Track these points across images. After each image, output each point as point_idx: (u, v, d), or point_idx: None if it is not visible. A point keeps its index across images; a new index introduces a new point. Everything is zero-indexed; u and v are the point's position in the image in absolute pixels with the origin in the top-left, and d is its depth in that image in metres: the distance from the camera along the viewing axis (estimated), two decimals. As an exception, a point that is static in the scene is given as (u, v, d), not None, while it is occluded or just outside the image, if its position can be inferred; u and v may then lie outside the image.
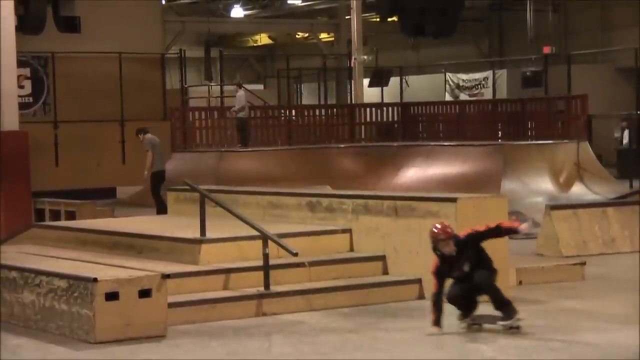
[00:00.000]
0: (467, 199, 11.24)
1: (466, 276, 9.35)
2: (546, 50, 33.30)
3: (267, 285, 10.62)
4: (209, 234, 11.31)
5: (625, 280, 12.33)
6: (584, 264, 12.38)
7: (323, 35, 42.34)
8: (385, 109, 30.61)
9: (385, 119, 30.22)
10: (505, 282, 10.41)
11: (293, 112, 30.09)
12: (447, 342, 9.18)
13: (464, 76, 37.64)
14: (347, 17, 34.79)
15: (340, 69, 37.98)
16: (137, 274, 9.67)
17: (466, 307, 9.46)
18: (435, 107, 30.57)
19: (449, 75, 37.82)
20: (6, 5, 16.90)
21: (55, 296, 9.77)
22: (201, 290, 10.55)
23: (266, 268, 10.63)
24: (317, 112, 29.96)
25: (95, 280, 9.34)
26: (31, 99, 26.91)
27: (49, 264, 10.71)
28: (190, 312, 10.15)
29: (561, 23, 39.27)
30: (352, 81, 31.52)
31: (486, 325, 9.43)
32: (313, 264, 11.23)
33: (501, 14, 41.58)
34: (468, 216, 10.89)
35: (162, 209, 18.77)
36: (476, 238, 9.43)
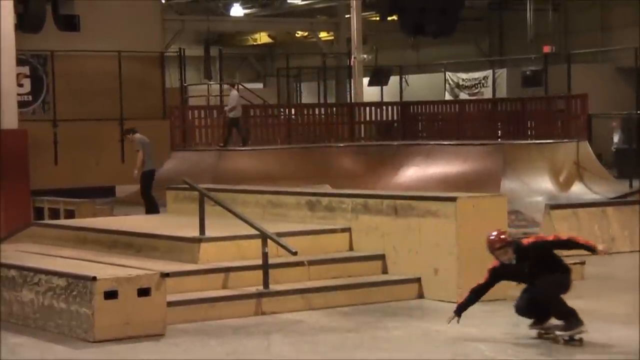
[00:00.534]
0: (466, 198, 11.22)
1: (531, 281, 8.92)
2: (546, 49, 33.26)
3: (266, 284, 10.61)
4: (208, 233, 11.30)
5: (624, 280, 12.33)
6: (583, 263, 12.35)
7: (323, 34, 42.33)
8: (385, 108, 30.60)
9: (385, 118, 30.21)
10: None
11: (293, 111, 30.10)
12: (446, 341, 9.17)
13: (463, 75, 37.61)
14: (347, 16, 34.80)
15: (340, 68, 37.97)
16: (136, 272, 9.66)
17: (536, 315, 9.03)
18: (435, 106, 30.56)
19: (448, 74, 37.79)
20: (5, 4, 16.90)
21: (54, 295, 9.76)
22: (200, 289, 10.54)
23: (265, 267, 10.62)
24: (317, 111, 29.96)
25: (94, 278, 9.33)
26: (30, 98, 26.89)
27: (48, 263, 10.69)
28: (190, 311, 10.14)
29: (561, 22, 39.23)
30: (352, 80, 31.52)
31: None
32: (312, 263, 11.22)
33: (501, 13, 41.53)
34: (467, 215, 10.90)
35: (151, 209, 18.75)
36: (540, 248, 8.92)
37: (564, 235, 8.89)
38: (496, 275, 9.06)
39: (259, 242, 10.73)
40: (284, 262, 10.97)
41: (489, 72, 36.91)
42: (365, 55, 31.72)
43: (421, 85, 37.88)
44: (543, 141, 25.34)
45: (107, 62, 27.44)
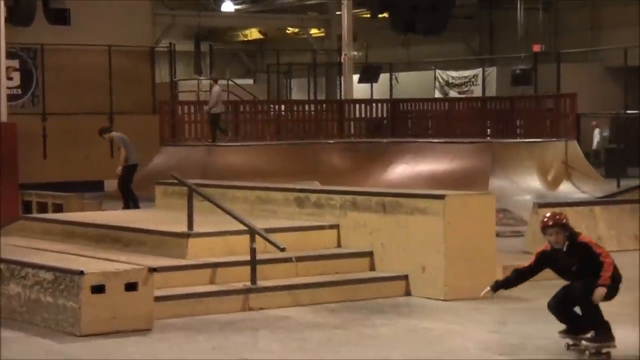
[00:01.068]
0: (454, 196, 11.24)
1: (572, 277, 8.38)
2: (536, 48, 33.30)
3: (254, 280, 10.61)
4: (197, 228, 11.28)
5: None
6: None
7: (313, 31, 42.29)
8: (374, 105, 30.63)
9: (374, 115, 30.24)
10: (492, 280, 10.39)
11: (282, 107, 30.11)
12: (433, 338, 9.18)
13: (453, 73, 37.67)
14: (337, 13, 34.77)
15: (330, 65, 37.97)
16: (123, 267, 9.66)
17: (568, 320, 8.48)
18: (425, 104, 30.61)
19: (438, 72, 37.83)
20: (-5, -2, 16.88)
21: (41, 289, 9.74)
22: (188, 285, 10.54)
23: (253, 263, 10.62)
24: (307, 107, 29.98)
25: (81, 273, 9.32)
26: (20, 91, 26.84)
27: (36, 256, 10.68)
28: (177, 306, 10.14)
29: (551, 22, 39.30)
30: (342, 77, 31.53)
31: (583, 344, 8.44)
32: (300, 259, 11.22)
33: (491, 11, 41.58)
34: (456, 213, 10.92)
35: (129, 204, 18.73)
36: (588, 252, 8.27)
37: (609, 259, 8.20)
38: (543, 259, 8.51)
39: (247, 237, 10.72)
40: (272, 258, 10.97)
41: (478, 71, 36.98)
42: (355, 52, 31.71)
43: (411, 83, 37.90)
44: (532, 140, 25.40)
45: (97, 57, 27.39)
